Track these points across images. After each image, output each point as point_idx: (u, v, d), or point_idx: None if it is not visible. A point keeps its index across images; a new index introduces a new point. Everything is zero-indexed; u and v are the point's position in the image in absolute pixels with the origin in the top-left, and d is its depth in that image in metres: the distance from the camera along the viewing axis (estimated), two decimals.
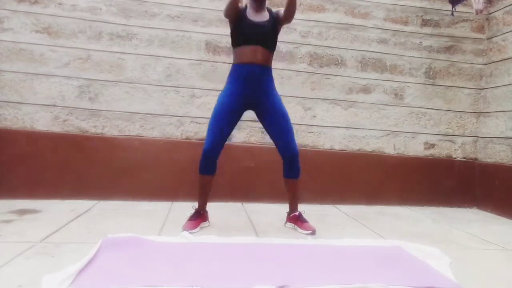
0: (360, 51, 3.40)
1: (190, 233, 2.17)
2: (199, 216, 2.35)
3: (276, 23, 2.37)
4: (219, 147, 2.29)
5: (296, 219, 2.44)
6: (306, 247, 2.01)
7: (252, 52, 2.27)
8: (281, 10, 2.37)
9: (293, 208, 2.48)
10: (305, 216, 2.45)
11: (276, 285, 1.46)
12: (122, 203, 2.89)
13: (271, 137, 2.41)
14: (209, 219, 2.43)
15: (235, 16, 2.30)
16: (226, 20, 3.17)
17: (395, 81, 3.46)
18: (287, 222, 2.50)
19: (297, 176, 2.43)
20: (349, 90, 3.39)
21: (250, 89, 2.29)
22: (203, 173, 2.31)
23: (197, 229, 2.27)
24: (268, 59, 2.35)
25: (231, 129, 2.35)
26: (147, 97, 3.11)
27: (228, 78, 2.38)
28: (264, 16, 2.35)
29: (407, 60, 3.47)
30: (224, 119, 2.29)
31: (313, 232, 2.31)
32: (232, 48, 2.40)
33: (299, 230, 2.38)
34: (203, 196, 2.38)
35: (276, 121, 2.35)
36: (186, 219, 2.33)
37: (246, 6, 2.36)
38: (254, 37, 2.28)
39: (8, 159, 2.85)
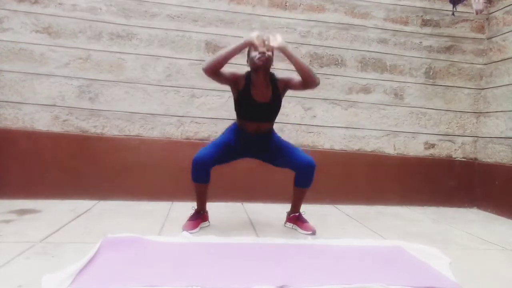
0: (360, 51, 3.40)
1: (190, 233, 2.18)
2: (199, 216, 2.35)
3: (282, 95, 2.34)
4: (209, 161, 2.20)
5: (296, 219, 2.44)
6: (306, 247, 2.01)
7: (256, 126, 2.30)
8: (294, 79, 2.30)
9: (294, 209, 2.48)
10: (305, 216, 2.44)
11: (276, 285, 1.46)
12: (122, 203, 2.89)
13: (283, 166, 2.39)
14: (209, 219, 2.43)
15: (232, 85, 2.28)
16: (226, 20, 3.20)
17: (395, 81, 3.46)
18: (287, 222, 2.50)
19: (309, 185, 2.38)
20: (349, 90, 3.39)
21: (253, 149, 2.34)
22: (195, 181, 2.26)
23: (197, 229, 2.27)
24: (271, 127, 2.39)
25: (226, 161, 2.33)
26: (147, 97, 3.11)
27: (231, 127, 2.40)
28: (268, 91, 2.27)
29: (407, 60, 3.47)
30: (225, 150, 2.27)
31: (314, 233, 2.31)
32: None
33: (299, 230, 2.38)
34: (200, 200, 2.36)
35: (282, 155, 2.35)
36: (186, 219, 2.33)
37: (247, 75, 2.29)
38: (258, 117, 2.29)
39: (8, 159, 2.85)
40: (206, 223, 2.39)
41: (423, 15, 3.49)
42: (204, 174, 2.23)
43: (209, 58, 2.19)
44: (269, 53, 2.20)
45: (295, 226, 2.43)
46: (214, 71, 2.15)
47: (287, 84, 2.33)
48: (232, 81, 2.26)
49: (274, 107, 2.33)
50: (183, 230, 2.21)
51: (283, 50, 2.17)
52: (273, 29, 2.31)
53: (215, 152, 2.23)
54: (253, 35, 2.17)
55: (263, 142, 2.34)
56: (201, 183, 2.26)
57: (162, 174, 3.05)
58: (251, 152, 2.36)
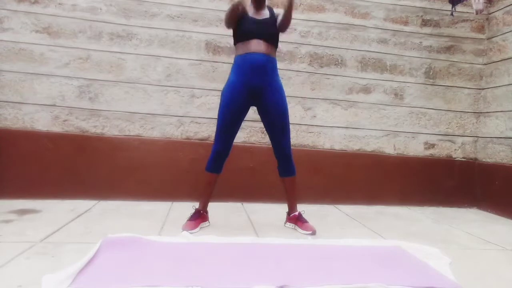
0: (360, 51, 3.40)
1: (190, 233, 2.18)
2: (199, 216, 2.35)
3: (277, 20, 2.39)
4: (229, 146, 2.33)
5: (296, 219, 2.44)
6: (306, 247, 2.01)
7: (256, 44, 2.28)
8: (280, 15, 2.37)
9: (292, 208, 2.48)
10: (305, 216, 2.44)
11: (276, 285, 1.46)
12: (122, 203, 2.89)
13: (268, 135, 2.42)
14: (209, 219, 2.43)
15: (237, 19, 2.32)
16: None
17: (395, 81, 3.46)
18: (287, 222, 2.50)
19: (293, 173, 2.43)
20: (349, 90, 3.39)
21: (255, 77, 2.27)
22: (210, 171, 2.33)
23: (197, 229, 2.27)
24: (272, 50, 2.35)
25: (239, 125, 2.37)
26: (147, 97, 3.11)
27: (231, 71, 2.38)
28: (265, 14, 2.38)
29: (407, 60, 3.47)
30: (232, 117, 2.31)
31: (314, 233, 2.31)
32: (234, 45, 2.41)
33: (299, 230, 2.38)
34: (206, 195, 2.38)
35: (274, 121, 2.35)
36: (186, 219, 2.33)
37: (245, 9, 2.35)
38: (257, 32, 2.29)
39: (8, 159, 2.85)
40: (206, 223, 2.39)
41: (423, 15, 3.49)
42: (222, 164, 2.34)
43: (225, 14, 2.32)
44: None
45: (295, 226, 2.43)
46: (233, 22, 2.31)
47: (278, 16, 2.40)
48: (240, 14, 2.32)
49: (272, 23, 2.35)
50: (183, 230, 2.21)
51: None
52: None
53: (228, 131, 2.30)
54: None
55: (264, 66, 2.28)
56: (215, 172, 2.34)
57: (162, 174, 3.05)
58: (254, 87, 2.27)
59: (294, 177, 2.45)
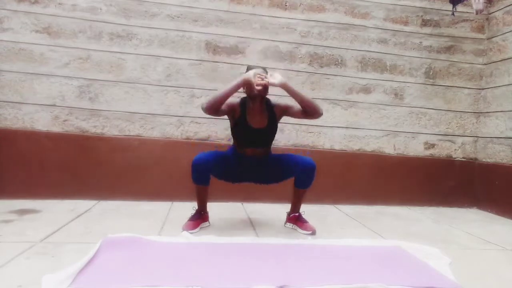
0: (360, 51, 3.40)
1: (190, 233, 2.18)
2: (200, 217, 2.35)
3: (277, 120, 2.37)
4: (209, 165, 2.22)
5: (296, 220, 2.44)
6: (306, 247, 2.01)
7: (253, 151, 2.32)
8: (294, 108, 2.32)
9: (294, 209, 2.48)
10: (305, 216, 2.44)
11: (276, 285, 1.46)
12: (122, 203, 2.89)
13: (284, 177, 2.39)
14: (209, 219, 2.43)
15: (229, 115, 2.30)
16: (226, 20, 3.20)
17: (395, 81, 3.46)
18: (287, 222, 2.50)
19: (309, 185, 2.38)
20: (349, 90, 3.39)
21: (252, 168, 2.33)
22: (195, 183, 2.28)
23: (197, 229, 2.27)
24: (268, 150, 2.39)
25: (225, 175, 2.34)
26: (147, 97, 3.11)
27: (231, 149, 2.39)
28: (264, 117, 2.31)
29: (407, 60, 3.47)
30: (224, 162, 2.28)
31: (314, 232, 2.31)
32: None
33: (299, 230, 2.38)
34: (200, 201, 2.37)
35: (279, 167, 2.35)
36: (186, 219, 2.33)
37: (242, 101, 2.32)
38: (254, 142, 2.31)
39: (8, 159, 2.85)
40: (206, 223, 2.39)
41: (423, 15, 3.49)
42: (203, 177, 2.25)
43: (208, 97, 2.19)
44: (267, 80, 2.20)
45: (295, 226, 2.43)
46: (215, 110, 2.16)
47: (286, 112, 2.36)
48: (230, 112, 2.28)
49: (270, 132, 2.36)
50: (183, 230, 2.21)
51: (283, 87, 2.18)
52: (272, 72, 2.30)
53: (214, 158, 2.24)
54: (250, 74, 2.18)
55: (259, 163, 2.34)
56: (200, 184, 2.28)
57: (162, 174, 3.05)
58: (248, 172, 2.35)
59: (308, 189, 2.41)
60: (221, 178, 2.36)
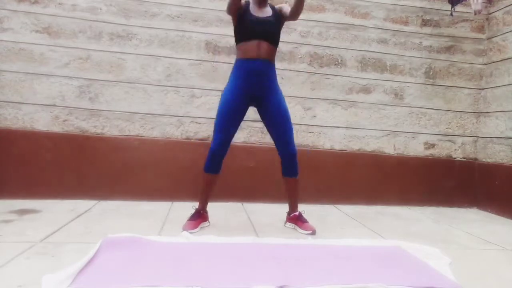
0: (360, 51, 3.40)
1: (190, 233, 2.18)
2: (199, 216, 2.35)
3: (280, 18, 2.38)
4: (226, 146, 2.29)
5: (296, 219, 2.44)
6: (306, 247, 2.01)
7: (257, 47, 2.27)
8: (285, 7, 2.39)
9: (293, 208, 2.48)
10: (305, 216, 2.44)
11: (276, 285, 1.46)
12: (122, 203, 2.89)
13: (271, 135, 2.42)
14: (209, 219, 2.43)
15: (238, 12, 2.30)
16: (226, 20, 3.20)
17: (395, 81, 3.46)
18: (287, 222, 2.50)
19: (296, 174, 2.42)
20: (349, 90, 3.39)
21: (255, 83, 2.28)
22: (208, 172, 2.31)
23: (197, 229, 2.27)
24: (272, 54, 2.35)
25: (237, 127, 2.36)
26: (147, 97, 3.11)
27: (231, 74, 2.37)
28: (267, 12, 2.36)
29: (407, 60, 3.47)
30: (230, 118, 2.29)
31: (314, 232, 2.31)
32: (235, 44, 2.39)
33: (299, 230, 2.38)
34: (206, 195, 2.37)
35: (277, 120, 2.35)
36: (186, 219, 2.33)
37: (248, 2, 2.36)
38: (258, 32, 2.27)
39: (8, 159, 2.85)
40: (206, 223, 2.39)
41: (423, 15, 3.49)
42: (220, 163, 2.30)
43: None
44: None
45: (295, 226, 2.43)
46: (235, 9, 2.25)
47: (281, 11, 2.39)
48: (242, 8, 2.31)
49: (274, 23, 2.34)
50: (183, 230, 2.21)
51: None
52: None
53: (225, 132, 2.27)
54: None
55: (264, 73, 2.29)
56: (213, 173, 2.31)
57: (162, 174, 3.05)
58: (254, 92, 2.28)
59: (297, 178, 2.44)
60: (235, 130, 2.35)
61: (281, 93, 2.40)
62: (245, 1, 2.37)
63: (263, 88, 2.31)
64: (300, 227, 2.39)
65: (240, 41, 2.34)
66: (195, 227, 2.27)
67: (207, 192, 2.37)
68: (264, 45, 2.27)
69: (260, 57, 2.27)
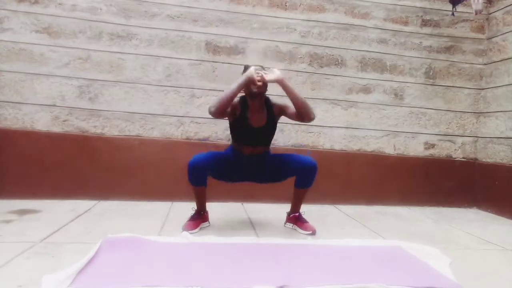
0: (360, 51, 3.40)
1: (190, 233, 2.17)
2: (199, 217, 2.35)
3: (275, 122, 2.38)
4: (204, 166, 2.21)
5: (296, 220, 2.44)
6: (306, 247, 2.01)
7: (252, 149, 2.32)
8: (289, 108, 2.31)
9: (294, 209, 2.47)
10: (305, 216, 2.44)
11: (276, 285, 1.46)
12: (122, 203, 2.89)
13: (284, 177, 2.39)
14: (209, 219, 2.43)
15: (230, 115, 2.29)
16: (227, 20, 3.20)
17: (395, 81, 3.46)
18: (287, 222, 2.50)
19: (310, 185, 2.38)
20: (349, 90, 3.39)
21: (250, 168, 2.33)
22: (192, 185, 2.28)
23: (197, 229, 2.27)
24: (266, 149, 2.39)
25: (222, 175, 2.34)
26: (147, 97, 3.11)
27: (229, 149, 2.40)
28: (263, 115, 2.32)
29: (407, 60, 3.47)
30: (221, 162, 2.28)
31: (314, 233, 2.31)
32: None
33: (299, 230, 2.38)
34: (199, 202, 2.36)
35: (278, 167, 2.35)
36: (186, 219, 2.33)
37: (242, 100, 2.31)
38: (253, 141, 2.31)
39: (8, 159, 2.85)
40: (206, 223, 2.39)
41: (423, 15, 3.49)
42: (200, 178, 2.25)
43: (214, 101, 2.18)
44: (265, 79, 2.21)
45: (295, 226, 2.43)
46: (222, 112, 2.18)
47: (282, 111, 2.36)
48: (232, 111, 2.28)
49: (269, 131, 2.37)
50: (183, 230, 2.21)
51: (280, 82, 2.20)
52: (270, 68, 2.29)
53: (210, 159, 2.24)
54: (251, 70, 2.20)
55: (258, 162, 2.34)
56: (197, 186, 2.28)
57: (162, 174, 3.05)
58: (247, 171, 2.35)
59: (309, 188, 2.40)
60: (219, 178, 2.36)
61: (273, 155, 2.41)
62: (240, 98, 2.30)
63: (258, 170, 2.34)
64: (300, 227, 2.39)
65: (234, 140, 2.38)
66: (195, 227, 2.27)
67: (199, 200, 2.35)
68: (258, 148, 2.34)
69: (254, 154, 2.33)
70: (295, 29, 3.29)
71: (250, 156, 2.33)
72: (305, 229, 2.35)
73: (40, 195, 2.83)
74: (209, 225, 2.40)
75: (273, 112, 2.35)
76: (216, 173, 2.31)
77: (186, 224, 2.27)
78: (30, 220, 2.32)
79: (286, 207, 2.52)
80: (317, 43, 3.34)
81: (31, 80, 2.94)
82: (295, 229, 2.42)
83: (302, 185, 2.37)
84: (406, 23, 3.47)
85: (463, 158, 3.56)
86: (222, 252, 1.84)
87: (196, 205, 2.36)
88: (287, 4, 3.29)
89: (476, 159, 3.55)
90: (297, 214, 2.45)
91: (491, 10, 3.52)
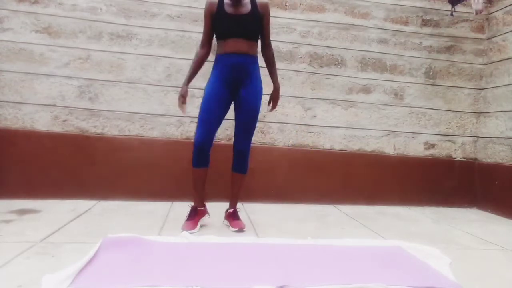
0: (360, 51, 3.40)
1: (190, 233, 2.17)
2: (196, 214, 2.33)
3: (260, 15, 2.29)
4: (210, 139, 2.27)
5: (229, 216, 2.42)
6: (306, 247, 2.01)
7: (235, 44, 2.24)
8: (267, 17, 2.33)
9: (232, 204, 2.45)
10: (305, 216, 2.44)
11: (276, 285, 1.46)
12: (122, 203, 2.89)
13: (234, 128, 2.39)
14: (208, 212, 2.41)
15: (210, 13, 2.26)
16: None
17: (395, 81, 3.46)
18: (224, 219, 2.48)
19: (244, 171, 2.40)
20: (349, 90, 3.39)
21: (234, 76, 2.26)
22: (197, 166, 2.28)
23: (197, 228, 2.27)
24: (252, 48, 2.29)
25: (221, 119, 2.33)
26: (147, 97, 3.11)
27: (212, 68, 2.36)
28: (245, 7, 2.25)
29: (407, 60, 3.47)
30: (213, 109, 2.27)
31: (241, 230, 2.29)
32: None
33: (230, 228, 2.35)
34: (199, 190, 2.35)
35: (242, 116, 2.34)
36: (184, 220, 2.32)
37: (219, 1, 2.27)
38: (233, 31, 2.22)
39: (8, 159, 2.85)
40: (205, 217, 2.38)
41: (423, 15, 3.49)
42: (206, 156, 2.27)
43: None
44: None
45: (227, 222, 2.42)
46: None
47: (263, 9, 2.30)
48: (210, 14, 2.27)
49: (251, 19, 2.24)
50: (183, 230, 2.20)
51: None
52: None
53: (209, 124, 2.25)
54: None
55: (244, 66, 2.26)
56: (202, 167, 2.28)
57: (162, 174, 3.05)
58: (234, 81, 2.26)
59: (244, 175, 2.42)
60: (219, 123, 2.34)
61: (259, 91, 2.35)
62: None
63: (242, 80, 2.28)
64: (230, 224, 2.37)
65: (217, 39, 2.32)
66: (194, 226, 2.27)
67: (200, 187, 2.34)
68: (243, 42, 2.24)
69: (239, 52, 2.24)
70: (295, 29, 3.29)
71: (234, 54, 2.23)
72: (234, 226, 2.32)
73: (40, 195, 2.83)
74: (209, 217, 2.39)
75: (257, 7, 2.28)
76: (216, 126, 2.32)
77: (185, 224, 2.27)
78: (30, 220, 2.32)
79: (287, 207, 2.53)
80: (317, 43, 3.34)
81: (31, 80, 2.94)
82: (227, 226, 2.40)
83: (235, 168, 2.39)
84: (406, 23, 3.47)
85: (463, 158, 3.56)
86: (222, 252, 1.84)
87: (195, 195, 2.35)
88: (287, 4, 3.29)
89: (476, 159, 3.55)
90: (232, 210, 2.42)
91: (491, 10, 3.52)
